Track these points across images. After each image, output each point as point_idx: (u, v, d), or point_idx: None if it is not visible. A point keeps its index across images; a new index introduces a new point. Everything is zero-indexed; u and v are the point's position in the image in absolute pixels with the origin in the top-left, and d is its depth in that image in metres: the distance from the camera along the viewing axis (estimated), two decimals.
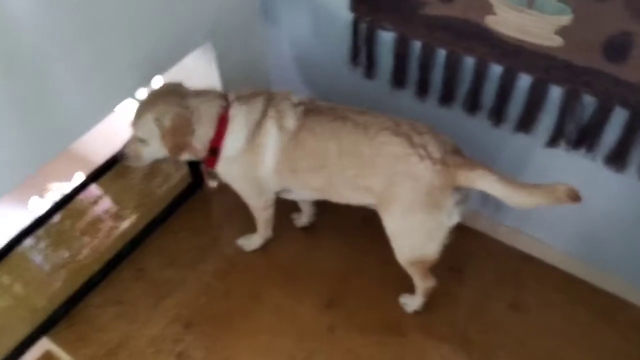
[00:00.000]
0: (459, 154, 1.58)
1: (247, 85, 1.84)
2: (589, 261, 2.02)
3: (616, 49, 1.46)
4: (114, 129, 1.95)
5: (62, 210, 1.94)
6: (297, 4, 2.02)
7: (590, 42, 1.49)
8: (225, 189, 1.92)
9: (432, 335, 1.93)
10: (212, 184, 1.88)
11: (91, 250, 2.04)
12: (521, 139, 1.82)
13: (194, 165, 2.24)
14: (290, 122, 1.69)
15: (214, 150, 1.74)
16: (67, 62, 1.46)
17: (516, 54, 1.63)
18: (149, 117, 1.65)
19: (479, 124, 1.86)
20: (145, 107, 1.68)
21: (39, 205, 2.40)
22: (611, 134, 1.63)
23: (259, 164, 1.75)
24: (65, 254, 1.99)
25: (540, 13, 1.51)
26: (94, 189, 2.04)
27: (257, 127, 1.71)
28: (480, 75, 1.75)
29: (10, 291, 1.87)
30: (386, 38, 1.87)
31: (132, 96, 1.80)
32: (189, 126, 1.67)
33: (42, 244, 1.93)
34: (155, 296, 2.03)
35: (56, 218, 1.94)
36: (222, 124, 1.70)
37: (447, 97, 1.87)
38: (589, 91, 1.58)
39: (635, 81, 1.48)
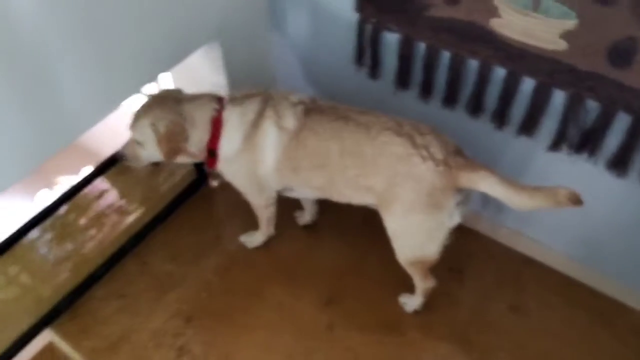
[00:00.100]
0: (461, 155, 1.59)
1: (252, 85, 1.85)
2: (589, 265, 2.02)
3: (621, 54, 1.46)
4: (123, 124, 1.97)
5: (68, 203, 1.96)
6: (303, 4, 2.02)
7: (595, 46, 1.49)
8: (228, 186, 1.93)
9: (431, 335, 1.94)
10: (214, 183, 1.93)
11: (95, 243, 2.06)
12: (523, 142, 1.82)
13: (198, 162, 2.25)
14: (290, 121, 1.70)
15: (212, 152, 1.79)
16: (71, 56, 1.47)
17: (520, 58, 1.63)
18: (146, 122, 1.71)
19: (481, 127, 1.87)
20: (142, 111, 1.73)
21: (46, 198, 2.43)
22: (614, 139, 1.63)
23: (258, 163, 1.77)
24: (70, 246, 2.01)
25: (545, 17, 1.51)
26: (99, 183, 2.06)
27: (254, 127, 1.73)
28: (483, 77, 1.75)
29: (15, 281, 1.89)
30: (391, 39, 1.87)
31: (138, 92, 1.82)
32: (182, 133, 1.72)
33: (48, 236, 1.95)
34: (158, 290, 2.05)
35: (62, 211, 1.96)
36: (216, 127, 1.75)
37: (450, 99, 1.88)
38: (592, 96, 1.58)
39: None
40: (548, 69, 1.60)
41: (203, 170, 2.31)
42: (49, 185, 2.53)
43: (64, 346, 1.95)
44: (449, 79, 1.83)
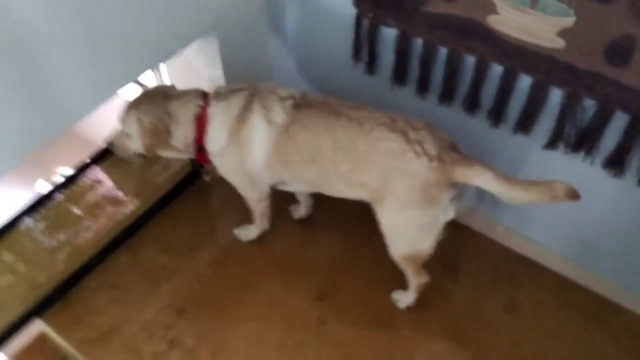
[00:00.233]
0: (455, 150, 1.58)
1: (249, 79, 1.84)
2: (585, 265, 2.01)
3: (619, 52, 1.45)
4: None
5: (62, 192, 1.96)
6: None
7: (593, 45, 1.47)
8: (223, 180, 1.93)
9: (424, 332, 1.93)
10: (205, 177, 1.94)
11: (89, 234, 2.06)
12: (520, 140, 1.81)
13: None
14: (279, 115, 1.69)
15: (201, 148, 1.81)
16: (64, 45, 1.46)
17: (517, 55, 1.62)
18: (133, 116, 1.76)
19: (478, 124, 1.86)
20: (132, 105, 1.78)
21: (44, 189, 2.42)
22: (611, 138, 1.62)
23: (247, 157, 1.77)
24: (63, 236, 2.01)
25: (543, 14, 1.50)
26: (94, 174, 2.06)
27: (240, 122, 1.73)
28: (480, 74, 1.74)
29: (8, 270, 1.90)
30: (388, 34, 1.86)
31: (133, 82, 1.82)
32: (165, 130, 1.76)
33: (41, 226, 1.95)
34: (150, 282, 2.05)
35: (56, 200, 1.96)
36: (200, 123, 1.77)
37: (447, 96, 1.86)
38: (589, 94, 1.56)
39: (637, 86, 1.46)
40: (545, 66, 1.59)
41: (200, 165, 2.32)
42: (48, 176, 2.53)
43: (55, 336, 1.95)
44: (445, 76, 1.82)
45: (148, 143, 1.77)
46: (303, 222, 2.23)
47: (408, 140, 1.55)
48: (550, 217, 1.96)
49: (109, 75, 1.66)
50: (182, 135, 1.79)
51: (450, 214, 1.62)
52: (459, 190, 1.60)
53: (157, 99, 1.77)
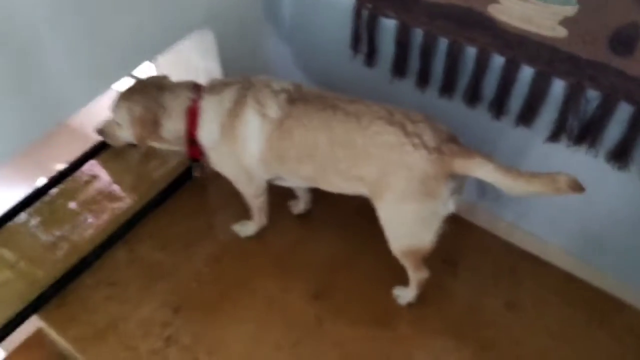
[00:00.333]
0: (454, 141, 1.54)
1: (246, 71, 1.81)
2: (588, 261, 1.97)
3: (623, 41, 1.41)
4: None
5: (58, 188, 1.94)
6: None
7: (596, 34, 1.43)
8: (219, 175, 1.90)
9: (423, 330, 1.90)
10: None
11: (85, 230, 2.04)
12: (522, 132, 1.77)
13: None
14: (273, 110, 1.66)
15: (192, 141, 1.78)
16: (58, 37, 1.43)
17: (519, 45, 1.58)
18: (124, 105, 1.73)
19: (479, 116, 1.82)
20: (125, 94, 1.76)
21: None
22: (615, 130, 1.58)
23: (241, 152, 1.74)
24: (59, 232, 1.99)
25: (544, 2, 1.46)
26: (90, 169, 2.04)
27: (233, 116, 1.70)
28: (481, 65, 1.70)
29: (4, 266, 1.88)
30: (388, 25, 1.83)
31: (129, 75, 1.79)
32: (154, 121, 1.73)
33: (36, 221, 1.94)
34: (147, 279, 2.02)
35: (51, 196, 1.94)
36: (192, 116, 1.74)
37: (447, 88, 1.83)
38: (593, 85, 1.53)
39: None
40: (547, 57, 1.55)
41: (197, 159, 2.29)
42: (49, 173, 2.52)
43: (51, 333, 1.93)
44: (446, 67, 1.78)
45: (138, 133, 1.74)
46: (302, 217, 2.20)
47: (406, 133, 1.52)
48: (553, 211, 1.93)
49: (104, 69, 1.63)
50: (172, 127, 1.77)
51: (450, 207, 1.58)
52: (459, 182, 1.57)
53: (149, 90, 1.75)
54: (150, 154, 2.22)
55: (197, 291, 1.99)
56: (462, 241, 2.12)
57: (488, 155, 1.50)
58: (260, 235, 2.13)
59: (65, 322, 1.91)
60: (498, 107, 1.76)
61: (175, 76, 1.87)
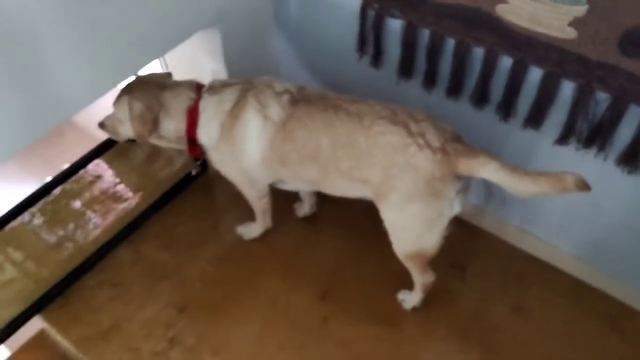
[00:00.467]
0: (459, 141, 1.52)
1: (252, 72, 1.81)
2: (597, 266, 1.94)
3: (633, 42, 1.38)
4: None
5: (63, 187, 1.94)
6: None
7: (606, 34, 1.41)
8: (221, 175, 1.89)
9: (429, 333, 1.88)
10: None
11: (89, 230, 2.04)
12: (530, 135, 1.75)
13: None
14: (275, 111, 1.64)
15: (192, 141, 1.78)
16: (61, 36, 1.43)
17: (527, 46, 1.56)
18: (125, 101, 1.72)
19: (486, 118, 1.80)
20: (126, 90, 1.75)
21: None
22: (625, 133, 1.55)
23: (241, 154, 1.73)
24: (63, 232, 1.99)
25: (553, 2, 1.44)
26: (95, 168, 2.04)
27: (233, 117, 1.69)
28: (489, 66, 1.68)
29: (7, 266, 1.88)
30: (394, 26, 1.81)
31: (134, 74, 1.79)
32: (153, 119, 1.72)
33: (39, 221, 1.94)
34: (151, 279, 2.02)
35: (55, 196, 1.94)
36: (192, 116, 1.73)
37: (454, 89, 1.81)
38: (603, 87, 1.50)
39: None
40: (556, 58, 1.53)
41: (203, 160, 2.28)
42: (57, 171, 2.53)
43: (54, 334, 1.92)
44: (453, 68, 1.76)
45: (138, 130, 1.74)
46: (307, 220, 2.19)
47: (410, 133, 1.50)
48: (561, 216, 1.90)
49: (109, 67, 1.63)
50: (172, 126, 1.76)
51: (456, 208, 1.56)
52: (465, 182, 1.55)
53: (151, 87, 1.74)
54: (156, 153, 2.22)
55: (201, 292, 1.98)
56: (470, 245, 2.09)
57: (493, 154, 1.47)
58: (265, 236, 2.12)
59: (68, 323, 1.91)
60: (506, 108, 1.74)
61: (181, 75, 1.87)
